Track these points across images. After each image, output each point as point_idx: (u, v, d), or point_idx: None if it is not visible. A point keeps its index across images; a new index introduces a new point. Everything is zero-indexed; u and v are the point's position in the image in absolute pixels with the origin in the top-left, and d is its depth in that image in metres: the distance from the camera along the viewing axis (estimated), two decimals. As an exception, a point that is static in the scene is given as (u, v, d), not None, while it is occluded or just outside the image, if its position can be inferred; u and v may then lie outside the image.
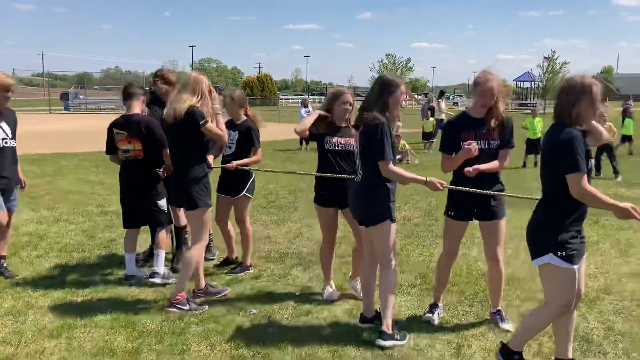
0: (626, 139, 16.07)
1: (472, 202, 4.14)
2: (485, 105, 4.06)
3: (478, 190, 4.02)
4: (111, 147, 5.25)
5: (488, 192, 4.04)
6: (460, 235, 4.33)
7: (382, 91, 3.89)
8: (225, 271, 5.57)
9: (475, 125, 4.10)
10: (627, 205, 3.05)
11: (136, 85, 5.38)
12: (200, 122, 4.38)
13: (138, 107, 5.20)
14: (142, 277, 5.23)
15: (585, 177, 3.06)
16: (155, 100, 5.51)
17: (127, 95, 5.21)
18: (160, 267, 5.20)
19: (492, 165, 4.06)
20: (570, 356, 3.56)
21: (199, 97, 4.44)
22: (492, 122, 4.06)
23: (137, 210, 5.27)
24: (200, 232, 4.58)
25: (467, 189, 4.04)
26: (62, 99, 46.71)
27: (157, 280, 5.11)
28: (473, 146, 3.93)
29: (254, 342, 3.96)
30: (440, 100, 20.26)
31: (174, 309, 4.47)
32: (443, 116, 18.41)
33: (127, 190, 5.28)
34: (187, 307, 4.50)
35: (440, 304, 4.50)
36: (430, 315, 4.38)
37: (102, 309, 4.57)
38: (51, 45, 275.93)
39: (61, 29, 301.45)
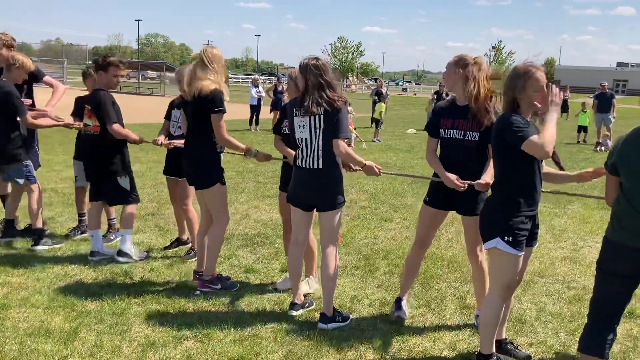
0: (581, 129, 17.75)
1: (449, 192, 3.82)
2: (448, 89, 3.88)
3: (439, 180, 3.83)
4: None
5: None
6: (432, 224, 4.07)
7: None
8: (167, 253, 5.50)
9: (456, 113, 3.80)
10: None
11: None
12: (216, 109, 4.28)
13: (98, 81, 5.15)
14: (108, 255, 5.21)
15: (536, 137, 3.02)
16: None
17: (95, 69, 5.18)
18: (127, 246, 5.14)
19: (491, 171, 3.64)
20: (504, 336, 3.71)
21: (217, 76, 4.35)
22: (475, 111, 3.70)
23: (100, 186, 5.26)
24: (219, 210, 4.51)
25: (401, 174, 3.98)
26: (-3, 70, 44.30)
27: (122, 259, 5.08)
28: (458, 184, 3.70)
29: (196, 323, 3.94)
30: None
31: (207, 289, 4.51)
32: None
33: (88, 166, 5.29)
34: (218, 286, 4.53)
35: (404, 298, 4.25)
36: (399, 312, 4.16)
37: (39, 288, 4.44)
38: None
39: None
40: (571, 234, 6.79)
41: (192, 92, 4.34)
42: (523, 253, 3.27)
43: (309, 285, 4.65)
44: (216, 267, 4.67)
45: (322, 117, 3.83)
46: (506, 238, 3.19)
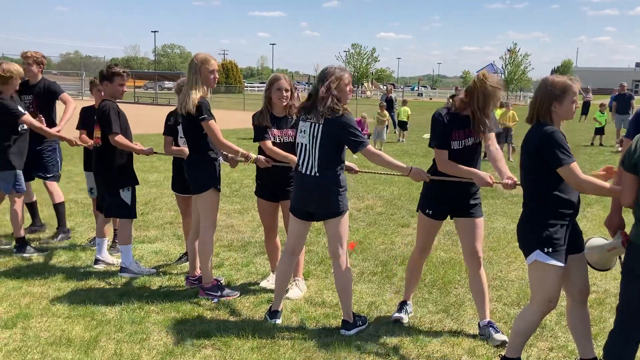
0: (598, 131, 17.46)
1: (452, 199, 3.99)
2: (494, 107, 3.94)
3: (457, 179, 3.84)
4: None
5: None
6: (435, 233, 4.20)
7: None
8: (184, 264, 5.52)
9: (463, 123, 3.87)
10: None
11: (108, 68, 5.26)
12: (200, 117, 4.31)
13: (104, 92, 5.19)
14: (112, 264, 5.31)
15: (576, 166, 3.05)
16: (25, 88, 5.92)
17: (100, 80, 5.23)
18: (127, 261, 5.10)
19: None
20: (594, 355, 3.43)
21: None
22: (482, 119, 3.83)
23: (103, 197, 5.31)
24: (208, 217, 4.53)
25: (450, 178, 3.85)
26: (19, 84, 44.99)
27: (124, 274, 5.05)
28: (490, 182, 3.70)
29: (214, 331, 3.96)
30: None
31: (207, 296, 4.54)
32: None
33: (95, 177, 5.35)
34: (218, 293, 4.56)
35: (410, 302, 4.36)
36: (399, 315, 4.23)
37: (60, 298, 4.50)
38: (2, 27, 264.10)
39: (9, 9, 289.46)
40: (591, 237, 6.68)
41: (180, 105, 4.40)
42: (564, 264, 3.18)
43: (300, 289, 4.71)
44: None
45: (321, 126, 3.84)
46: (545, 249, 3.14)
